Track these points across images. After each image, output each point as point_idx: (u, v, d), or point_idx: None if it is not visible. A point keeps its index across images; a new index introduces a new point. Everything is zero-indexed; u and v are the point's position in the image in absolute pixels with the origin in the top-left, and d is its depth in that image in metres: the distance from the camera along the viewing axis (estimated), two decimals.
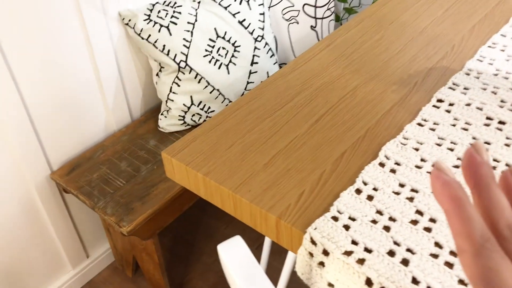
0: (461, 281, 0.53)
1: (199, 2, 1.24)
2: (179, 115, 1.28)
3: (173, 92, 1.25)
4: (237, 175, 0.69)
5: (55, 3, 1.07)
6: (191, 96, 1.26)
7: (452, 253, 0.56)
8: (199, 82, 1.24)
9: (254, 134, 0.77)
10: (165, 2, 1.24)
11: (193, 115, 1.29)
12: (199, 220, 1.69)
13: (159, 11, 1.21)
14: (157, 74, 1.29)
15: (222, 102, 1.30)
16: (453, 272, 0.54)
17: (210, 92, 1.26)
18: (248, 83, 1.31)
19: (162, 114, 1.31)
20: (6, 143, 1.10)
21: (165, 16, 1.20)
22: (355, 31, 1.05)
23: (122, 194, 1.12)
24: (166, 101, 1.28)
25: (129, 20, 1.21)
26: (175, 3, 1.23)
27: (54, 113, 1.18)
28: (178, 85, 1.24)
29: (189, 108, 1.27)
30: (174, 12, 1.21)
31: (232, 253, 0.44)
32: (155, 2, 1.26)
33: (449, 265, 0.55)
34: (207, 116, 1.30)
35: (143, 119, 1.37)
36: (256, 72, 1.31)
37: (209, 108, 1.29)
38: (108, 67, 1.24)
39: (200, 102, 1.27)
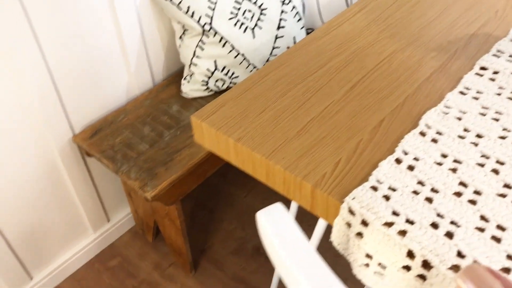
0: (509, 257, 0.51)
1: None
2: (203, 80, 1.25)
3: (197, 56, 1.22)
4: (270, 141, 0.67)
5: None
6: (215, 61, 1.22)
7: (499, 227, 0.53)
8: (223, 46, 1.20)
9: (286, 100, 0.74)
10: None
11: (217, 80, 1.25)
12: (220, 188, 1.68)
13: None
14: (180, 37, 1.25)
15: (246, 68, 1.26)
16: (501, 247, 0.51)
17: (235, 57, 1.22)
18: (273, 48, 1.27)
19: (185, 79, 1.28)
20: (30, 105, 1.08)
21: None
22: None
23: (146, 159, 1.10)
24: (190, 66, 1.24)
25: None
26: None
27: (76, 76, 1.15)
28: (202, 49, 1.21)
29: (212, 73, 1.24)
30: None
31: (275, 221, 0.42)
32: None
33: (496, 239, 0.52)
34: (230, 82, 1.27)
35: (165, 83, 1.34)
36: (282, 36, 1.27)
37: (233, 73, 1.25)
38: (131, 30, 1.20)
39: (224, 67, 1.23)
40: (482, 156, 0.61)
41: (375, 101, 0.72)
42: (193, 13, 1.17)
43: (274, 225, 0.42)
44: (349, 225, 0.57)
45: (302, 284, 0.38)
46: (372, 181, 0.59)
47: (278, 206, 0.44)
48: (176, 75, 1.37)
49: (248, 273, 1.41)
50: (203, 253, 1.47)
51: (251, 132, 0.68)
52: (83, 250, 1.42)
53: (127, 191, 1.37)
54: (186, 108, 1.25)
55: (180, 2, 1.16)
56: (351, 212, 0.57)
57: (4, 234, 1.18)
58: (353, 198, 0.57)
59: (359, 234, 0.57)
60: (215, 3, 1.17)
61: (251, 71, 1.28)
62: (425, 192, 0.57)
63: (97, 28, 1.14)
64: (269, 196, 1.65)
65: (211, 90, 1.28)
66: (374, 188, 0.58)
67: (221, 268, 1.43)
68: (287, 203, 1.62)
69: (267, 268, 1.43)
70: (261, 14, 1.22)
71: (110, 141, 1.16)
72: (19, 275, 1.27)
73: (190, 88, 1.27)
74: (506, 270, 0.49)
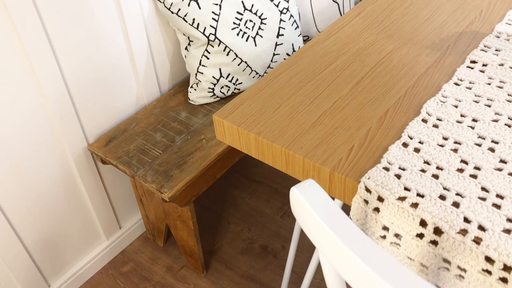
0: (509, 220, 0.58)
1: None
2: (209, 88, 1.32)
3: (203, 65, 1.29)
4: (287, 133, 0.74)
5: None
6: (220, 69, 1.29)
7: (498, 196, 0.61)
8: (227, 54, 1.27)
9: (298, 97, 0.81)
10: None
11: (222, 87, 1.32)
12: (223, 192, 1.75)
13: None
14: (186, 48, 1.32)
15: (249, 74, 1.33)
16: (501, 212, 0.59)
17: (238, 64, 1.30)
18: (274, 55, 1.34)
19: (191, 87, 1.35)
20: (48, 116, 1.14)
21: None
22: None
23: (160, 163, 1.16)
24: (196, 74, 1.31)
25: None
26: None
27: (90, 87, 1.22)
28: (208, 58, 1.28)
29: (218, 80, 1.31)
30: None
31: (310, 194, 0.49)
32: None
33: (497, 206, 0.60)
34: (235, 88, 1.34)
35: (172, 92, 1.41)
36: (281, 44, 1.34)
37: (237, 80, 1.33)
38: (140, 42, 1.27)
39: (229, 74, 1.31)
40: (479, 137, 0.69)
41: (379, 94, 0.79)
42: (198, 24, 1.24)
43: (311, 200, 0.49)
44: (366, 202, 0.64)
45: (347, 254, 0.45)
46: (383, 162, 0.66)
47: (311, 182, 0.50)
48: (181, 85, 1.43)
49: (257, 271, 1.47)
50: (213, 254, 1.53)
51: (270, 127, 0.75)
52: (97, 257, 1.46)
53: (138, 197, 1.42)
54: (194, 114, 1.31)
55: (185, 15, 1.23)
56: (368, 190, 0.64)
57: (23, 242, 1.23)
58: (369, 178, 0.64)
59: (376, 209, 0.64)
60: (219, 14, 1.24)
61: (253, 77, 1.35)
62: (431, 170, 0.65)
63: (109, 41, 1.21)
64: (272, 197, 1.71)
65: (217, 97, 1.35)
66: (386, 169, 0.65)
67: (231, 267, 1.49)
68: (288, 202, 1.68)
69: (275, 265, 1.48)
70: (261, 23, 1.30)
71: (125, 148, 1.22)
72: (37, 283, 1.31)
73: (197, 96, 1.34)
74: (507, 231, 0.56)
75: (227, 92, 1.34)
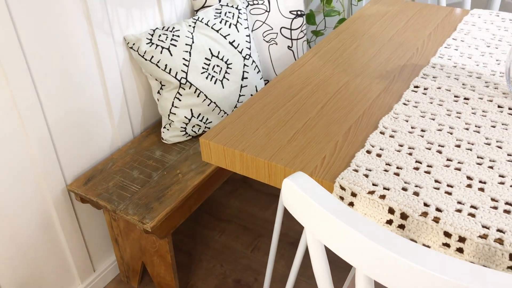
0: (459, 202, 0.70)
1: (194, 27, 1.41)
2: (181, 127, 1.41)
3: (175, 107, 1.39)
4: (268, 149, 0.84)
5: (74, 33, 1.20)
6: (191, 109, 1.40)
7: (448, 185, 0.73)
8: (198, 96, 1.39)
9: (273, 120, 0.92)
10: (164, 27, 1.39)
11: (194, 126, 1.43)
12: (194, 232, 1.80)
13: (159, 35, 1.36)
14: (158, 92, 1.43)
15: (218, 114, 1.45)
16: (452, 197, 0.71)
17: (208, 105, 1.41)
18: (240, 96, 1.47)
19: (164, 127, 1.44)
20: (31, 160, 1.19)
21: (166, 39, 1.36)
22: (335, 42, 1.25)
23: (140, 197, 1.23)
24: (169, 115, 1.41)
25: (133, 44, 1.35)
26: (174, 28, 1.39)
27: (69, 130, 1.28)
28: (180, 100, 1.39)
29: (189, 120, 1.41)
30: (173, 35, 1.37)
31: (301, 182, 0.59)
32: (155, 27, 1.42)
33: (448, 193, 0.72)
34: (205, 127, 1.45)
35: (145, 134, 1.49)
36: (246, 86, 1.48)
37: (207, 119, 1.44)
38: (115, 87, 1.37)
39: (199, 114, 1.41)
40: (428, 143, 0.83)
41: (342, 115, 0.93)
42: (170, 70, 1.35)
43: (302, 185, 0.59)
44: (342, 198, 0.75)
45: (347, 230, 0.55)
46: (353, 166, 0.78)
47: (301, 174, 0.61)
48: (153, 127, 1.52)
49: None
50: None
51: (252, 144, 0.86)
52: None
53: (113, 238, 1.45)
54: (168, 152, 1.40)
55: (158, 61, 1.35)
56: (342, 188, 0.75)
57: (0, 286, 1.22)
58: (342, 178, 0.75)
59: (351, 204, 0.74)
60: (189, 60, 1.37)
61: (222, 116, 1.46)
62: (393, 169, 0.77)
63: (88, 88, 1.29)
64: (241, 233, 1.78)
65: (189, 135, 1.45)
66: (356, 170, 0.77)
67: None
68: (258, 237, 1.76)
69: None
70: (227, 68, 1.43)
71: (104, 185, 1.28)
72: None
73: (170, 135, 1.43)
74: (458, 210, 0.69)
75: (198, 130, 1.44)
